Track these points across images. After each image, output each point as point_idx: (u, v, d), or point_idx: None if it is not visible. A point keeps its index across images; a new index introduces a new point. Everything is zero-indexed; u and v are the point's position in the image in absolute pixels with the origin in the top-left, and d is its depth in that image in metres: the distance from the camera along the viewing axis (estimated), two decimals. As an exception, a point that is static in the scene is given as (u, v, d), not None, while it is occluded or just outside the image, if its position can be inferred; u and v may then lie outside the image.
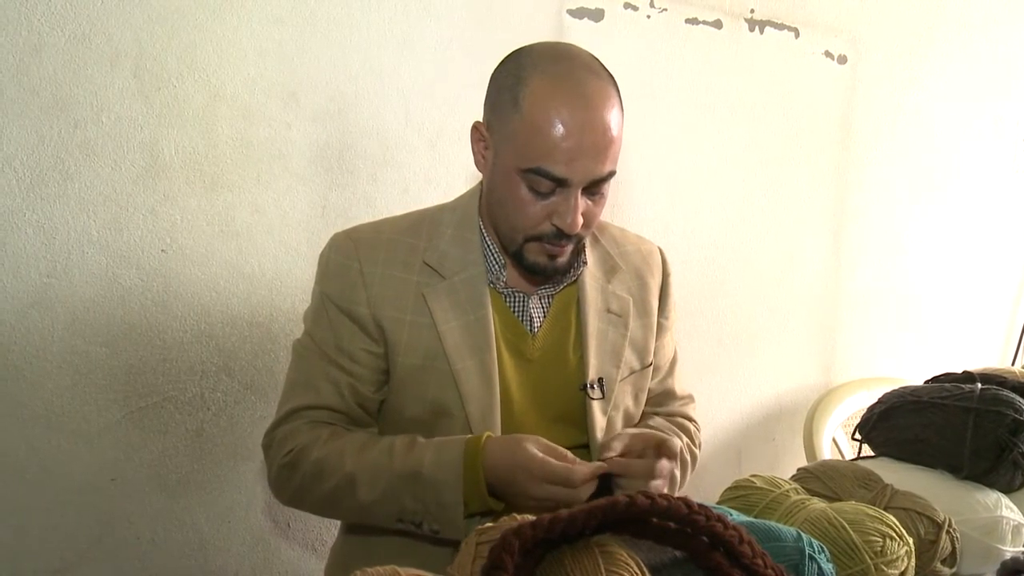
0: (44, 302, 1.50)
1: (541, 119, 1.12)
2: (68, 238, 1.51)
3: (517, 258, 1.24)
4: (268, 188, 1.67)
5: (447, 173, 1.84)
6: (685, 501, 0.79)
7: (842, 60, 2.41)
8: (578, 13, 1.98)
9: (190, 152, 1.59)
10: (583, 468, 1.11)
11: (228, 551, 1.74)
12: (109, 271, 1.55)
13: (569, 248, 1.23)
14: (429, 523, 1.18)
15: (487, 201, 1.27)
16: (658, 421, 1.43)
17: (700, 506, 0.80)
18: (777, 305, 2.43)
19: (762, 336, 2.43)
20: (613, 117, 1.16)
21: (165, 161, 1.57)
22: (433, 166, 1.83)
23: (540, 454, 1.11)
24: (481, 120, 1.23)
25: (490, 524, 0.82)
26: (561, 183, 1.15)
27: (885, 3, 2.47)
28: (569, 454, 1.13)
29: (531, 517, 0.77)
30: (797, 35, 2.32)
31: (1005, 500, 1.18)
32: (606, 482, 1.15)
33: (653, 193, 2.17)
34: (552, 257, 1.23)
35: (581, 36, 1.96)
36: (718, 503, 1.05)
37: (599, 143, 1.14)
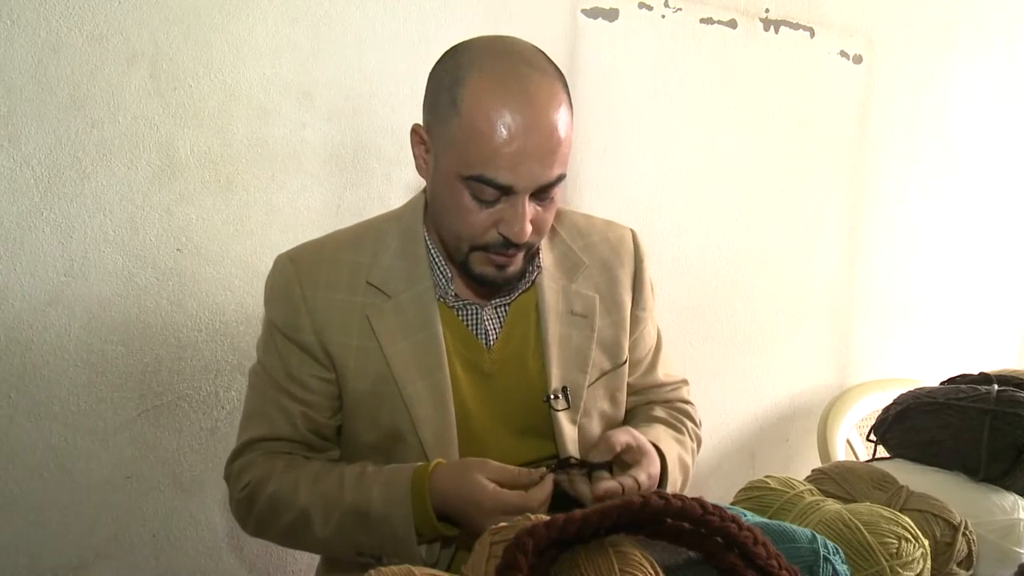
0: (61, 301, 1.52)
1: (481, 122, 1.04)
2: (85, 237, 1.52)
3: (464, 268, 1.17)
4: (283, 187, 1.68)
5: (461, 173, 1.84)
6: (699, 502, 0.79)
7: (858, 60, 2.40)
8: (592, 13, 1.97)
9: (205, 151, 1.60)
10: (538, 493, 1.06)
11: (242, 549, 1.75)
12: (125, 270, 1.56)
13: (519, 256, 1.16)
14: (388, 556, 1.15)
15: (431, 209, 1.20)
16: (660, 412, 1.37)
17: (714, 507, 0.79)
18: (791, 305, 2.43)
19: (776, 336, 2.42)
20: (560, 117, 1.07)
21: (181, 160, 1.58)
22: (447, 166, 1.83)
23: (490, 485, 1.06)
24: (420, 123, 1.16)
25: (504, 524, 0.82)
26: (506, 191, 1.07)
27: (901, 2, 2.45)
28: (522, 470, 1.09)
29: (544, 517, 0.77)
30: (812, 35, 2.31)
31: (1022, 503, 1.17)
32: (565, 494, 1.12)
33: (667, 193, 2.16)
34: (500, 267, 1.15)
35: (595, 36, 1.96)
36: (732, 504, 1.05)
37: (545, 146, 1.06)
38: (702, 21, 2.13)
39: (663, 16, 2.07)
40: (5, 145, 1.45)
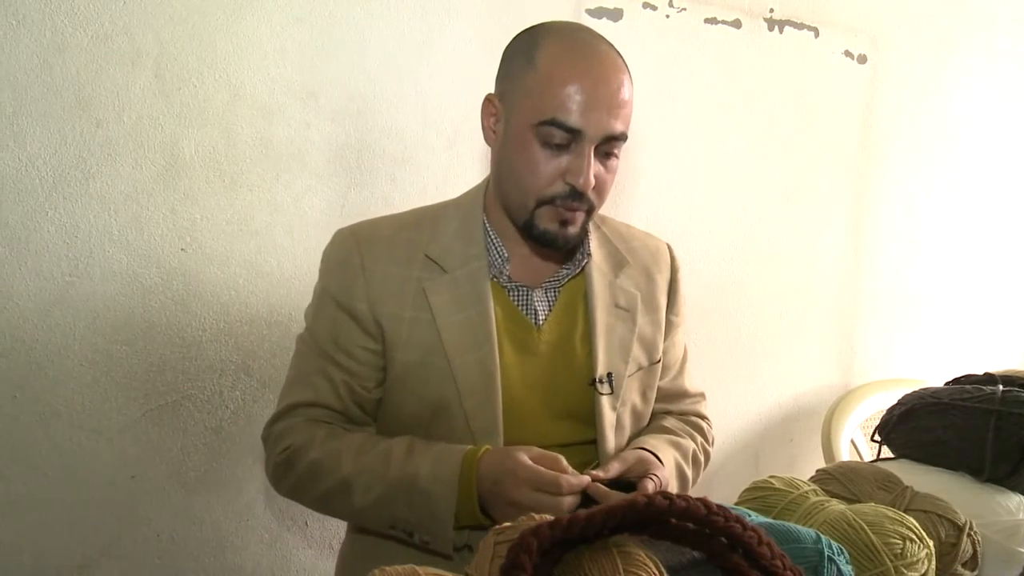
0: (66, 300, 1.52)
1: (556, 74, 1.14)
2: (90, 237, 1.52)
3: (528, 228, 1.22)
4: (287, 187, 1.68)
5: (466, 173, 1.85)
6: (704, 502, 0.79)
7: (862, 60, 2.39)
8: (597, 13, 1.97)
9: (210, 151, 1.60)
10: (571, 477, 1.10)
11: (246, 549, 1.75)
12: (130, 270, 1.56)
13: (581, 216, 1.21)
14: (420, 533, 1.18)
15: (496, 176, 1.26)
16: (671, 422, 1.42)
17: (719, 507, 0.79)
18: (796, 306, 2.42)
19: (780, 337, 2.42)
20: (625, 82, 1.18)
21: (185, 160, 1.58)
22: (452, 166, 1.84)
23: (529, 461, 1.10)
24: (493, 93, 1.24)
25: (508, 524, 0.82)
26: (575, 134, 1.15)
27: (906, 2, 2.45)
28: (564, 463, 1.12)
29: (549, 517, 0.77)
30: (817, 34, 2.30)
31: (1027, 503, 1.17)
32: (591, 498, 1.13)
33: (671, 193, 2.16)
34: (564, 224, 1.20)
35: (599, 36, 1.96)
36: (736, 504, 1.05)
37: (612, 99, 1.15)
38: (706, 21, 2.13)
39: (667, 16, 2.07)
40: (10, 145, 1.45)
